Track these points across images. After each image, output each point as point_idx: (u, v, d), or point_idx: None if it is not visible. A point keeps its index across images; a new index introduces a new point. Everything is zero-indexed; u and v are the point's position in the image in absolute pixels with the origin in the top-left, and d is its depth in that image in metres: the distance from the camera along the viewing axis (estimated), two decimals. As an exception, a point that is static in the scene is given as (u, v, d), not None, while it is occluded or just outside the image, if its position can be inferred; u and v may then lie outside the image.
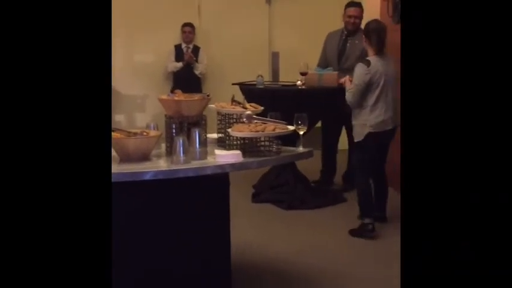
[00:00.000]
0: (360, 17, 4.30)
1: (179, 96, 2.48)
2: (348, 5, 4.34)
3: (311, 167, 4.52)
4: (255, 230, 3.58)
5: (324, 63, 4.43)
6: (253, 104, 2.61)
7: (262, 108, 2.58)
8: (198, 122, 2.41)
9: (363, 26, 4.33)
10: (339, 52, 4.37)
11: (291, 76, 4.33)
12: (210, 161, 2.22)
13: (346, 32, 4.36)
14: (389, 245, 3.33)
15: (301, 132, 2.50)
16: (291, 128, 2.43)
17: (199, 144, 2.22)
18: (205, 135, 2.39)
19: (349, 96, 3.45)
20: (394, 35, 3.94)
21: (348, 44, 4.35)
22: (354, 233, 3.53)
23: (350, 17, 4.28)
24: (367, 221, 3.49)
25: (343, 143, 4.60)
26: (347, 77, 3.64)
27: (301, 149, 2.48)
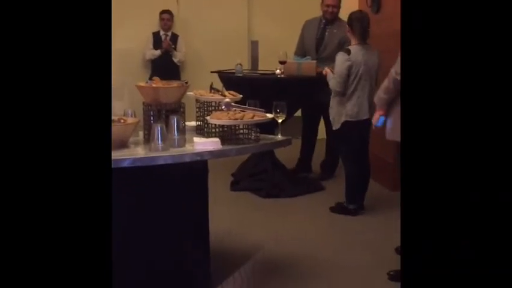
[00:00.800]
0: (338, 6, 4.33)
1: (157, 83, 2.46)
2: None
3: (290, 156, 4.55)
4: (233, 218, 3.59)
5: (301, 52, 4.44)
6: (232, 92, 2.60)
7: (241, 96, 2.58)
8: (177, 109, 2.39)
9: (340, 15, 4.38)
10: (318, 41, 4.39)
11: (270, 65, 4.33)
12: (188, 148, 2.21)
13: (324, 21, 4.38)
14: (367, 233, 3.38)
15: (280, 120, 2.51)
16: (270, 116, 2.44)
17: (177, 132, 2.21)
18: (184, 123, 2.38)
19: (334, 84, 3.48)
20: (373, 26, 3.96)
21: (327, 33, 4.37)
22: (334, 210, 3.71)
23: (328, 6, 4.30)
24: (351, 207, 3.68)
25: (321, 132, 4.63)
26: (328, 68, 3.66)
27: (279, 137, 2.49)
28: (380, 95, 2.70)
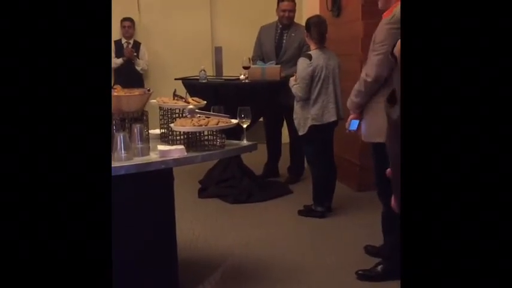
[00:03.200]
0: (294, 11, 4.41)
1: (119, 91, 2.43)
2: (281, 0, 4.42)
3: (257, 161, 4.56)
4: (201, 225, 3.57)
5: (259, 57, 4.48)
6: (195, 98, 2.59)
7: (205, 102, 2.57)
8: (139, 117, 2.36)
9: (296, 19, 4.45)
10: (277, 45, 4.44)
11: (234, 70, 4.33)
12: (153, 157, 2.19)
13: (281, 26, 4.44)
14: (335, 234, 3.41)
15: (245, 126, 2.51)
16: (235, 121, 2.44)
17: (141, 140, 2.18)
18: (147, 131, 2.35)
19: (297, 90, 3.50)
20: (333, 30, 4.02)
21: (285, 37, 4.43)
22: (302, 213, 3.74)
23: (284, 11, 4.37)
24: (319, 209, 3.70)
25: (286, 136, 4.66)
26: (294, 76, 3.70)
27: (245, 142, 2.49)
28: (352, 99, 2.70)
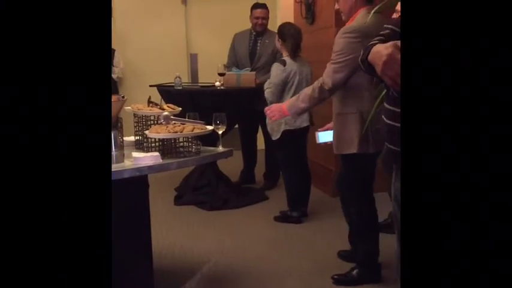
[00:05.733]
0: (267, 18, 4.46)
1: (93, 98, 2.40)
2: (254, 7, 4.48)
3: (233, 168, 4.56)
4: (177, 233, 3.55)
5: (233, 64, 4.50)
6: (170, 105, 2.58)
7: (180, 109, 2.56)
8: (114, 124, 2.34)
9: (270, 26, 4.49)
10: (251, 52, 4.47)
11: (210, 77, 4.34)
12: (127, 164, 2.17)
13: (255, 33, 4.48)
14: (311, 239, 3.43)
15: (220, 132, 2.51)
16: (210, 127, 2.44)
17: (115, 147, 2.17)
18: (122, 138, 2.34)
19: (268, 95, 3.52)
20: (307, 37, 4.07)
21: (259, 44, 4.47)
22: (278, 219, 3.76)
23: (257, 18, 4.41)
24: (294, 214, 3.74)
25: (262, 142, 4.68)
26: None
27: (220, 148, 2.49)
28: (298, 104, 2.65)
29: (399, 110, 1.18)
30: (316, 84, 2.57)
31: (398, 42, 1.29)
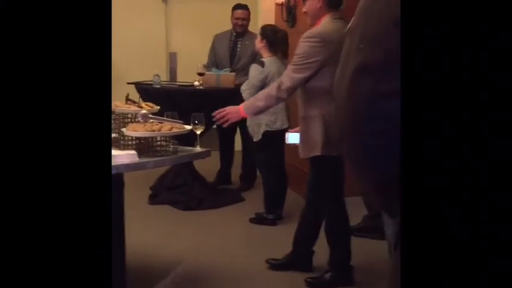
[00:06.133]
0: (247, 19, 4.46)
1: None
2: (235, 8, 4.48)
3: (209, 168, 4.54)
4: (152, 232, 3.52)
5: (213, 64, 4.49)
6: (148, 103, 2.56)
7: (158, 107, 2.55)
8: (91, 121, 2.31)
9: (251, 28, 4.50)
10: (231, 53, 4.47)
11: (189, 77, 4.31)
12: (103, 161, 2.15)
13: (235, 34, 4.48)
14: (286, 241, 3.44)
15: (199, 132, 2.50)
16: (188, 127, 2.43)
17: (91, 144, 2.14)
18: (99, 135, 2.31)
19: (246, 96, 3.52)
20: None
21: (239, 45, 4.47)
22: (254, 221, 3.76)
23: (238, 19, 4.42)
24: (270, 217, 3.74)
25: (239, 143, 4.68)
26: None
27: (198, 148, 2.49)
28: (256, 103, 2.63)
29: None
30: (275, 84, 2.60)
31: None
